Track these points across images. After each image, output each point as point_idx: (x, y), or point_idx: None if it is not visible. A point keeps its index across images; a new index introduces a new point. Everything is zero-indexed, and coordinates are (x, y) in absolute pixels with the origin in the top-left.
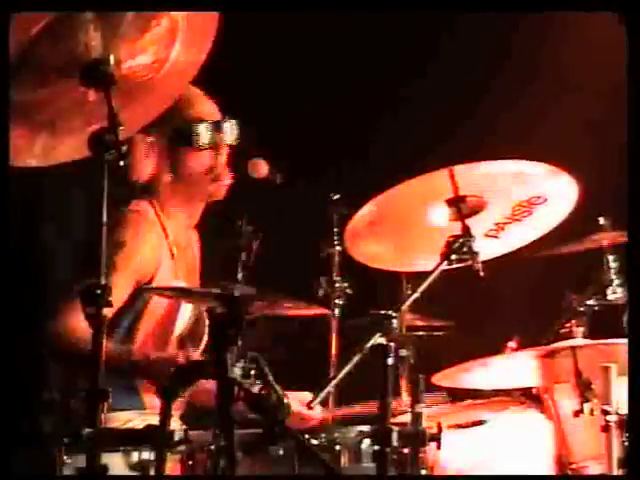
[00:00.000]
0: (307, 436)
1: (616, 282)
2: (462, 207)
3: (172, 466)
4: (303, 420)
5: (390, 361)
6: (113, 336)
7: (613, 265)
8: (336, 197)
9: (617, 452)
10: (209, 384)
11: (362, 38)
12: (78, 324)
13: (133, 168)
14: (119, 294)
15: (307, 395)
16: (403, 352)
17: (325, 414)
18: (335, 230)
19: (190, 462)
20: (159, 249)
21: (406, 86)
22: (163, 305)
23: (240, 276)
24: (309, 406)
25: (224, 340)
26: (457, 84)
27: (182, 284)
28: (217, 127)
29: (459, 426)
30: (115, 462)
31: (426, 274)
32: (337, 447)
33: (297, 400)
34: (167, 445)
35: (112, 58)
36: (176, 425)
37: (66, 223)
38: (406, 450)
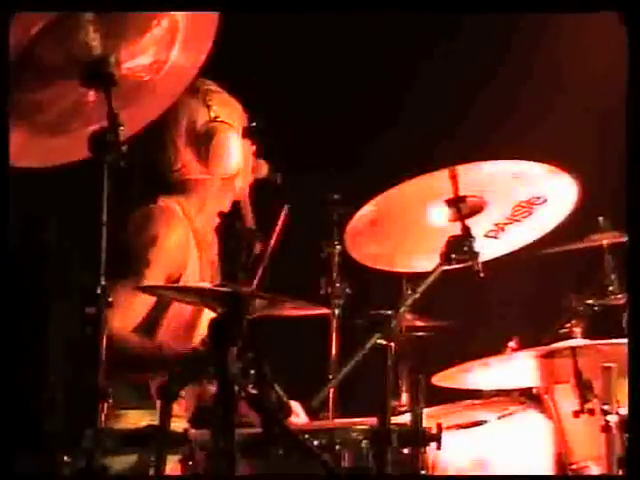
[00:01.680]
0: (307, 436)
1: (616, 282)
2: (462, 207)
3: (172, 466)
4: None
5: (390, 361)
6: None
7: (613, 265)
8: (336, 197)
9: (617, 452)
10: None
11: (361, 39)
12: (117, 326)
13: (171, 161)
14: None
15: (294, 404)
16: (403, 352)
17: (308, 423)
18: (335, 230)
19: (190, 462)
20: (187, 245)
21: (406, 86)
22: (186, 305)
23: (240, 276)
24: (310, 405)
25: (224, 340)
26: (457, 84)
27: (206, 284)
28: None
29: (459, 426)
30: (115, 462)
31: (426, 274)
32: (337, 447)
33: None
34: (167, 445)
35: (112, 59)
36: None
37: (67, 223)
38: (406, 450)
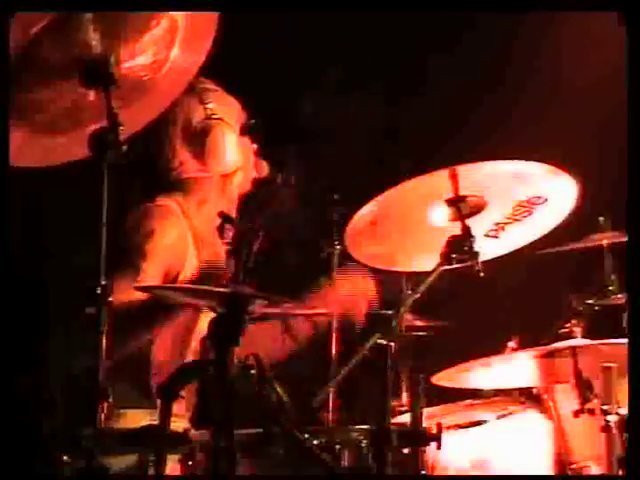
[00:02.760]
0: (307, 436)
1: (616, 282)
2: (462, 207)
3: (172, 466)
4: None
5: (390, 361)
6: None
7: (613, 265)
8: (336, 197)
9: (617, 452)
10: None
11: (362, 38)
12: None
13: (169, 160)
14: (150, 283)
15: None
16: (403, 352)
17: None
18: (335, 230)
19: (190, 462)
20: (185, 243)
21: (406, 86)
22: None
23: (240, 276)
24: (310, 405)
25: (224, 340)
26: (457, 85)
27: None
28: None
29: (459, 426)
30: (115, 462)
31: (426, 274)
32: (337, 447)
33: None
34: (167, 445)
35: (112, 58)
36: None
37: (67, 223)
38: (406, 450)
